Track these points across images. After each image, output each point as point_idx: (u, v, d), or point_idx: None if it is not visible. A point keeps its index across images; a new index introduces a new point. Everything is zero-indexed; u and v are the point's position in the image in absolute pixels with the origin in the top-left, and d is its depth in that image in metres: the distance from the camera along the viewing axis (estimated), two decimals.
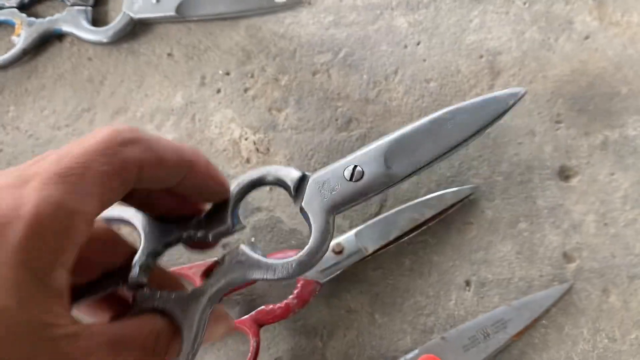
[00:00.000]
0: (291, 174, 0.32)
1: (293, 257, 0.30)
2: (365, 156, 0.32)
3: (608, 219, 0.45)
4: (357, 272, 0.44)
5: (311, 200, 0.31)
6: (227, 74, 0.49)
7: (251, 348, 0.39)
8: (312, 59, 0.50)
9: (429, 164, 0.33)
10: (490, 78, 0.49)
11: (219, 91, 0.49)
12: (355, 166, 0.32)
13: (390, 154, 0.32)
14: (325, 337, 0.43)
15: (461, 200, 0.45)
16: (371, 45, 0.50)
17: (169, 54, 0.50)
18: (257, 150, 0.47)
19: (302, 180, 0.32)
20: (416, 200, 0.44)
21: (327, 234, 0.31)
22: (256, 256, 0.30)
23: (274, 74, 0.49)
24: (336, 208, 0.31)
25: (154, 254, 0.31)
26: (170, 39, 0.51)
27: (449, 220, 0.45)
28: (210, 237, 0.31)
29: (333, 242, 0.42)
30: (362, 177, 0.32)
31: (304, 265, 0.30)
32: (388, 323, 0.43)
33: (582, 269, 0.44)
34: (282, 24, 0.51)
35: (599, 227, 0.45)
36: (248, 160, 0.47)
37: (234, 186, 0.32)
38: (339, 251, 0.42)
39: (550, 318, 0.43)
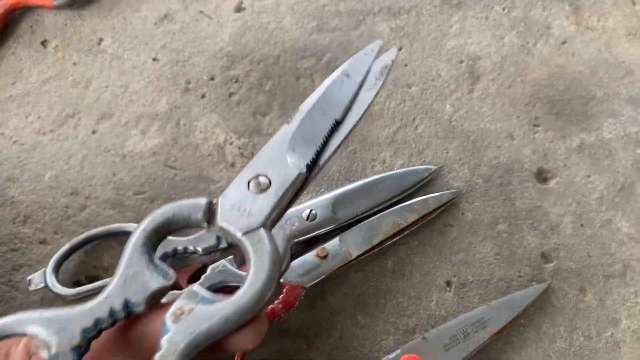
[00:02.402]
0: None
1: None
2: (319, 203, 0.44)
3: (584, 220, 0.47)
4: (341, 274, 0.44)
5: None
6: (212, 79, 0.50)
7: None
8: (296, 64, 0.51)
9: (364, 213, 0.44)
10: (471, 82, 0.50)
11: (203, 96, 0.49)
12: (311, 210, 0.43)
13: (336, 204, 0.43)
14: (310, 338, 0.43)
15: (443, 205, 0.46)
16: (354, 50, 0.51)
17: (154, 59, 0.51)
18: (242, 154, 0.48)
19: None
20: (400, 205, 0.45)
21: (284, 257, 0.37)
22: (233, 268, 0.36)
23: (259, 79, 0.50)
24: (294, 237, 0.41)
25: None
26: (155, 44, 0.51)
27: (430, 222, 0.46)
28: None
29: (318, 248, 0.43)
30: (315, 218, 0.43)
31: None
32: (371, 324, 0.44)
33: (560, 269, 0.45)
34: (265, 30, 0.51)
35: (575, 228, 0.46)
36: (233, 165, 0.47)
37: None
38: (323, 256, 0.43)
39: (528, 317, 0.44)
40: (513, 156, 0.48)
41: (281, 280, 0.42)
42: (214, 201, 0.31)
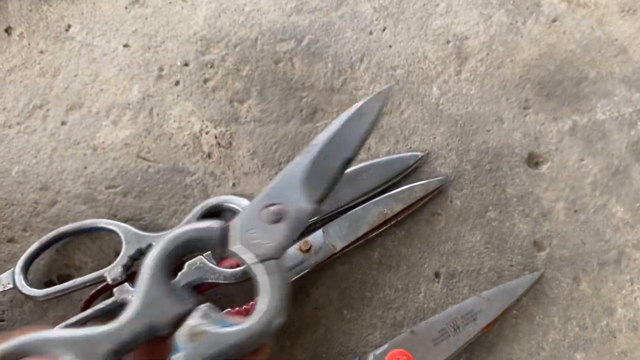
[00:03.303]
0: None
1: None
2: None
3: (578, 205, 0.45)
4: (324, 267, 0.43)
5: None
6: (186, 64, 0.48)
7: None
8: (274, 47, 0.48)
9: (348, 204, 0.42)
10: (458, 64, 0.48)
11: (177, 83, 0.47)
12: None
13: None
14: (294, 335, 0.42)
15: (431, 193, 0.44)
16: (335, 32, 0.49)
17: (125, 45, 0.48)
18: (219, 144, 0.45)
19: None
20: (385, 195, 0.43)
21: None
22: (210, 264, 0.36)
23: (235, 64, 0.48)
24: None
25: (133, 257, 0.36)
26: (125, 30, 0.48)
27: (417, 211, 0.44)
28: None
29: (300, 241, 0.41)
30: None
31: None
32: (357, 318, 0.42)
33: (553, 257, 0.44)
34: (242, 12, 0.49)
35: (568, 214, 0.45)
36: (209, 155, 0.45)
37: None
38: (306, 249, 0.41)
39: (521, 308, 0.42)
40: (503, 140, 0.46)
41: None
42: (228, 224, 0.32)
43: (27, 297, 0.40)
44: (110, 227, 0.41)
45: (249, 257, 0.31)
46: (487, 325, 0.41)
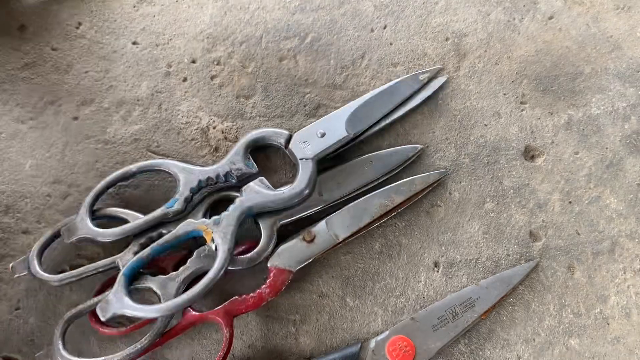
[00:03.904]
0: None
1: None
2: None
3: (573, 197, 0.46)
4: (328, 257, 0.44)
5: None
6: (193, 62, 0.49)
7: (224, 339, 0.40)
8: (279, 44, 0.50)
9: (350, 194, 0.44)
10: (457, 60, 0.49)
11: (185, 80, 0.48)
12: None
13: (323, 185, 0.44)
14: (298, 322, 0.43)
15: (430, 185, 0.45)
16: (338, 29, 0.50)
17: (134, 43, 0.50)
18: (226, 138, 0.47)
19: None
20: (386, 187, 0.44)
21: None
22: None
23: (241, 61, 0.49)
24: (280, 220, 0.44)
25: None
26: (134, 28, 0.50)
27: (417, 203, 0.45)
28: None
29: (304, 231, 0.43)
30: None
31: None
32: (359, 306, 0.44)
33: (548, 247, 0.45)
34: (247, 10, 0.50)
35: (564, 205, 0.46)
36: (217, 149, 0.47)
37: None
38: (310, 240, 0.42)
39: (517, 296, 0.44)
40: (500, 134, 0.47)
41: (268, 264, 0.42)
42: (292, 134, 0.45)
43: (42, 282, 0.41)
44: (168, 168, 0.43)
45: (298, 156, 0.44)
46: (484, 312, 0.42)
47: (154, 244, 0.41)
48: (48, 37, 0.50)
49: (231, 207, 0.41)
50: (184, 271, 0.40)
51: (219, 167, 0.43)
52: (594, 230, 0.46)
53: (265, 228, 0.42)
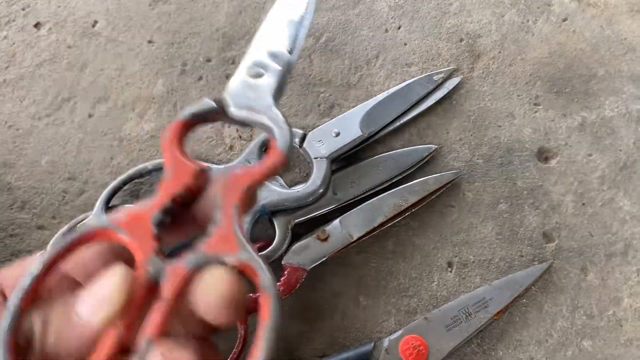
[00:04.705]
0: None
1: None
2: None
3: (586, 199, 0.46)
4: (341, 256, 0.44)
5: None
6: (208, 60, 0.49)
7: (239, 336, 0.40)
8: None
9: (364, 193, 0.44)
10: (471, 61, 0.50)
11: (200, 78, 0.49)
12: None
13: (337, 184, 0.44)
14: (311, 320, 0.43)
15: (444, 185, 0.45)
16: (352, 29, 0.50)
17: (150, 41, 0.50)
18: (240, 137, 0.47)
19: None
20: (400, 187, 0.45)
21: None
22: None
23: None
24: (295, 218, 0.43)
25: None
26: (150, 26, 0.50)
27: (431, 203, 0.45)
28: None
29: (318, 230, 0.43)
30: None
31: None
32: (372, 305, 0.44)
33: (561, 248, 0.45)
34: (262, 9, 0.51)
35: (577, 207, 0.46)
36: (231, 148, 0.47)
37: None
38: (324, 238, 0.43)
39: (530, 297, 0.44)
40: (514, 136, 0.48)
41: (282, 262, 0.42)
42: (306, 133, 0.45)
43: None
44: None
45: (312, 155, 0.44)
46: (497, 313, 0.42)
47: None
48: (64, 35, 0.50)
49: None
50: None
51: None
52: (607, 232, 0.46)
53: (279, 226, 0.43)
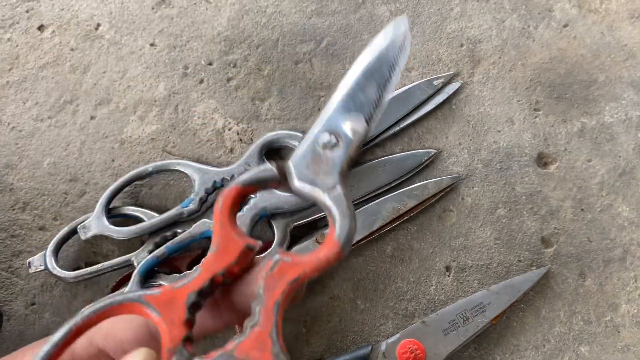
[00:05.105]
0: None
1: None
2: None
3: (585, 204, 0.46)
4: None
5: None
6: (210, 64, 0.50)
7: None
8: (295, 48, 0.50)
9: (364, 197, 0.44)
10: (471, 66, 0.50)
11: (201, 81, 0.49)
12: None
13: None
14: (309, 323, 0.44)
15: (443, 190, 0.45)
16: (353, 34, 0.51)
17: (152, 44, 0.50)
18: (241, 140, 0.47)
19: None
20: (399, 191, 0.45)
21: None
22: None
23: (257, 64, 0.50)
24: (293, 222, 0.43)
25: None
26: (152, 29, 0.51)
27: (430, 207, 0.46)
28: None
29: (317, 233, 0.43)
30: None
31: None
32: (370, 309, 0.44)
33: (560, 253, 0.45)
34: (264, 13, 0.51)
35: (575, 212, 0.46)
36: (232, 150, 0.47)
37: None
38: (323, 242, 0.43)
39: (528, 302, 0.44)
40: (513, 141, 0.48)
41: None
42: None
43: (57, 279, 0.42)
44: (183, 168, 0.44)
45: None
46: (495, 318, 0.42)
47: (169, 243, 0.41)
48: (67, 37, 0.50)
49: (245, 207, 0.42)
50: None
51: (234, 168, 0.44)
52: (606, 238, 0.46)
53: (278, 229, 0.43)
